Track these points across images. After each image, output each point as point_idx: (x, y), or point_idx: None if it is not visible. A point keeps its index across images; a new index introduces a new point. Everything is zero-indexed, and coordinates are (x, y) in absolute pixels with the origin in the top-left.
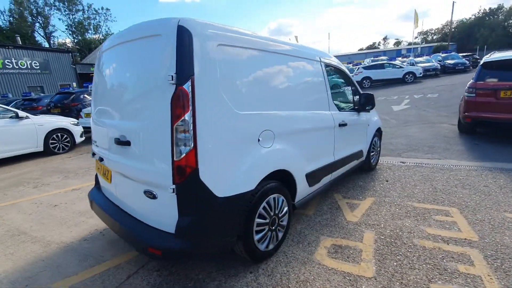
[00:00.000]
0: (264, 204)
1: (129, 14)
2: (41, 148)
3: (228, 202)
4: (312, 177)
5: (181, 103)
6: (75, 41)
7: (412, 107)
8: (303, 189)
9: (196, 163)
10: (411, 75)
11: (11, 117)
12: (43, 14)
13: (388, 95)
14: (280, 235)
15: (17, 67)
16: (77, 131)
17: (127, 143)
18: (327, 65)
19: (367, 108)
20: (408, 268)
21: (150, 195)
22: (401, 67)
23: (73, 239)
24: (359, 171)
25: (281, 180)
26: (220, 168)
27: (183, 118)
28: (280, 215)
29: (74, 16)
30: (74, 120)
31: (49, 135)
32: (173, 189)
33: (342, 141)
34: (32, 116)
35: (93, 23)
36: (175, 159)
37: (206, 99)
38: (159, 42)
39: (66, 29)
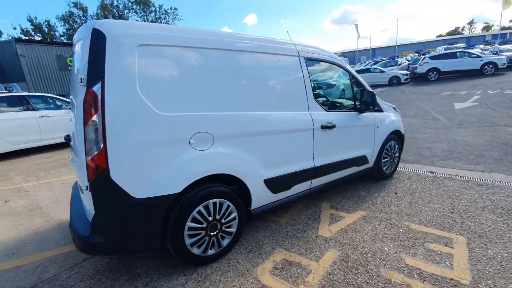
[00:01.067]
0: (200, 208)
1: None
2: None
3: (147, 204)
4: (276, 184)
5: (91, 104)
6: None
7: (480, 105)
8: (261, 195)
9: (107, 163)
10: (491, 66)
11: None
12: (123, 17)
13: (456, 90)
14: (226, 241)
15: None
16: None
17: (70, 140)
18: (309, 59)
19: (371, 107)
20: None
21: (81, 189)
22: (478, 56)
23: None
24: (367, 179)
25: (231, 184)
26: (136, 169)
27: (92, 119)
28: (224, 221)
29: (147, 17)
30: None
31: None
32: (87, 186)
33: (328, 145)
34: None
35: (163, 23)
36: (87, 157)
37: (119, 100)
38: (81, 45)
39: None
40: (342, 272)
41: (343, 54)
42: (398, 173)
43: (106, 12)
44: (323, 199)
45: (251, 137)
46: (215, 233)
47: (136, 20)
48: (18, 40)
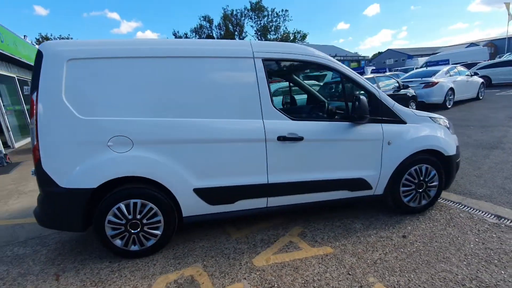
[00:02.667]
0: (120, 205)
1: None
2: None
3: (69, 193)
4: (211, 195)
5: (31, 109)
6: None
7: None
8: (192, 204)
9: (39, 156)
10: None
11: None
12: (240, 24)
13: None
14: (151, 242)
15: None
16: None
17: None
18: (269, 60)
19: (365, 116)
20: None
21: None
22: None
23: None
24: (382, 208)
25: (163, 189)
26: (60, 163)
27: (31, 120)
28: (146, 222)
29: (260, 21)
30: None
31: None
32: (33, 171)
33: (292, 161)
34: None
35: (274, 25)
36: (32, 147)
37: (48, 106)
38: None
39: (255, 33)
40: None
41: (492, 42)
42: (441, 209)
43: (227, 21)
44: (300, 221)
45: (179, 144)
46: (136, 231)
47: (250, 25)
48: None
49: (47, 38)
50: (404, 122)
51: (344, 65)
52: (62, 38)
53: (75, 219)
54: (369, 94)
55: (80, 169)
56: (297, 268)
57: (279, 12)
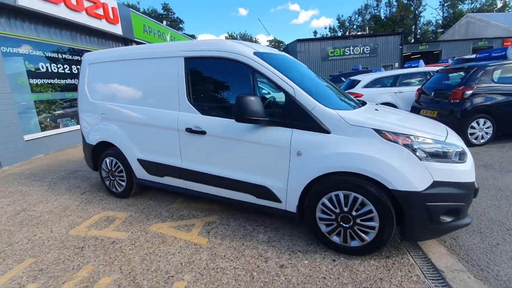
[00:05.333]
0: (106, 159)
1: None
2: None
3: (88, 146)
4: (147, 166)
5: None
6: (443, 15)
7: None
8: (138, 170)
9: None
10: None
11: None
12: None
13: None
14: (121, 189)
15: (353, 53)
16: None
17: None
18: (191, 58)
19: (241, 116)
20: None
21: None
22: None
23: None
24: (309, 235)
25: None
26: (85, 128)
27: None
28: (117, 174)
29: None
30: None
31: None
32: None
33: (198, 152)
34: None
35: None
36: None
37: (80, 93)
38: None
39: (439, 5)
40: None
41: None
42: (386, 263)
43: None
44: (224, 214)
45: (130, 124)
46: (113, 179)
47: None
48: (299, 40)
49: (232, 36)
50: (327, 131)
51: (265, 63)
52: (244, 35)
53: (91, 161)
54: (285, 93)
55: (91, 132)
56: (165, 242)
57: None
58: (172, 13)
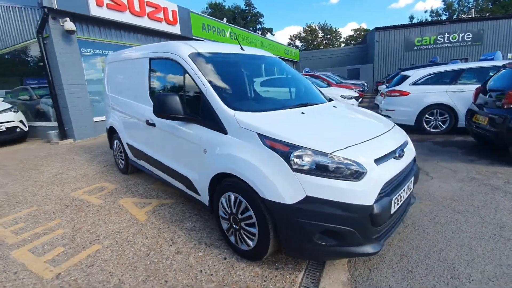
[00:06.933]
0: (115, 141)
1: None
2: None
3: (109, 130)
4: (133, 150)
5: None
6: None
7: None
8: (129, 153)
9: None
10: None
11: None
12: None
13: None
14: (122, 166)
15: (448, 41)
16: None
17: None
18: (153, 59)
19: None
20: None
21: None
22: None
23: None
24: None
25: None
26: (107, 116)
27: None
28: (118, 150)
29: None
30: None
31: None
32: None
33: (153, 141)
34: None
35: None
36: None
37: (104, 86)
38: None
39: None
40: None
41: None
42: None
43: None
44: (181, 198)
45: (121, 113)
46: (117, 157)
47: None
48: (378, 29)
49: (310, 27)
50: (224, 132)
51: (192, 64)
52: (323, 26)
53: (109, 141)
54: (200, 93)
55: (107, 118)
56: (119, 213)
57: None
58: (253, 8)
